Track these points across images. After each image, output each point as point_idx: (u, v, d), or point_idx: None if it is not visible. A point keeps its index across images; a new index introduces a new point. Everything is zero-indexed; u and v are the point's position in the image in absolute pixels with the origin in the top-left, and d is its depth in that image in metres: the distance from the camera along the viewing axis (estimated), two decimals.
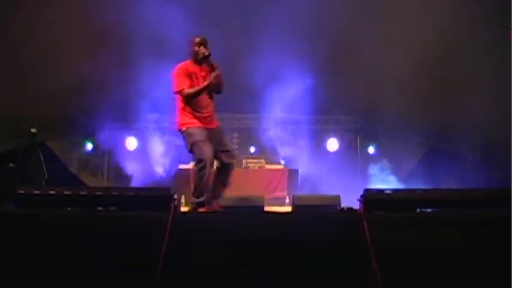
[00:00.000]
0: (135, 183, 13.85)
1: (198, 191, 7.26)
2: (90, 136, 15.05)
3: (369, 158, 15.44)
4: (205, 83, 7.52)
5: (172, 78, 7.54)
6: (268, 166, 14.36)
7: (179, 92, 7.48)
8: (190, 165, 13.87)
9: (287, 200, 12.22)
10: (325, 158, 15.01)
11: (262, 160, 14.52)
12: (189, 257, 5.27)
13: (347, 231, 5.59)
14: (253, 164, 14.42)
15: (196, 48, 7.54)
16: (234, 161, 7.85)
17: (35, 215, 5.84)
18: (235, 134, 15.49)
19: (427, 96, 11.76)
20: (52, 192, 6.05)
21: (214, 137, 7.58)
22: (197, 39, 7.57)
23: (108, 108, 13.41)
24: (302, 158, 14.87)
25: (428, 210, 6.39)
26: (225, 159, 7.63)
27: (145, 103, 13.66)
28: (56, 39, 11.29)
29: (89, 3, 11.82)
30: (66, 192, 6.05)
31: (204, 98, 7.58)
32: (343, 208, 6.90)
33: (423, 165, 14.24)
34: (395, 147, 14.53)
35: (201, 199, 7.22)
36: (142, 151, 14.80)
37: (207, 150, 7.29)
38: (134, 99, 13.34)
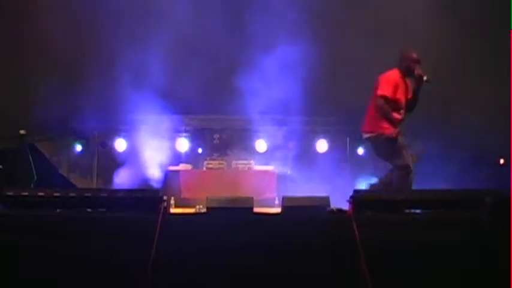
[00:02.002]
0: (124, 185, 13.81)
1: None
2: (80, 137, 15.01)
3: (358, 159, 15.45)
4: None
5: (381, 82, 7.82)
6: (257, 167, 14.35)
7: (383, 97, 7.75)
8: (180, 167, 13.89)
9: (276, 201, 12.23)
10: (314, 159, 15.01)
11: (252, 162, 14.52)
12: (178, 258, 5.26)
13: (336, 232, 5.59)
14: (242, 165, 14.42)
15: (412, 65, 7.80)
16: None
17: (23, 216, 5.81)
18: (217, 135, 15.47)
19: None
20: (41, 193, 6.02)
21: None
22: (415, 56, 7.85)
23: (97, 110, 13.36)
24: (291, 159, 14.87)
25: (417, 211, 6.40)
26: None
27: (134, 104, 13.62)
28: (48, 39, 11.27)
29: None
30: (55, 194, 6.02)
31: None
32: (332, 209, 6.90)
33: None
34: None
35: None
36: (132, 152, 14.75)
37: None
38: (123, 100, 13.29)
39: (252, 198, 7.51)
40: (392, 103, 7.78)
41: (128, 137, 15.00)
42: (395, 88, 7.77)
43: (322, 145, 15.56)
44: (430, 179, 13.35)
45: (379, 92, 7.72)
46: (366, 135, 8.12)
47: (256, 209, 7.20)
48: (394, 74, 7.85)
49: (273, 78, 12.64)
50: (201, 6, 12.24)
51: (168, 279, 5.11)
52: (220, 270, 5.22)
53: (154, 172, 14.16)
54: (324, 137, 15.59)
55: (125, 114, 14.31)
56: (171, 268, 5.15)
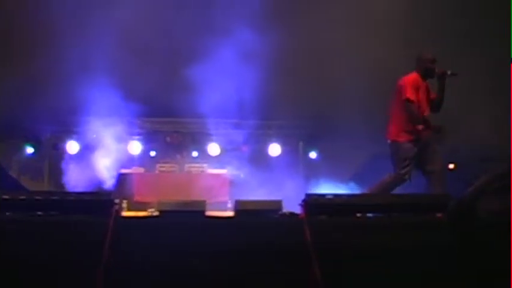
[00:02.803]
0: (76, 188, 13.64)
1: None
2: (31, 139, 14.80)
3: (311, 163, 15.53)
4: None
5: (405, 86, 7.86)
6: (210, 171, 14.33)
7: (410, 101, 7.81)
8: (132, 170, 13.80)
9: (229, 205, 12.21)
10: (267, 163, 15.05)
11: (205, 165, 14.50)
12: (130, 261, 5.21)
13: (289, 235, 5.59)
14: (195, 168, 14.39)
15: (430, 66, 7.87)
16: None
17: None
18: (169, 138, 15.41)
19: (371, 102, 11.86)
20: None
21: None
22: (431, 56, 7.92)
23: (49, 111, 13.19)
24: (244, 163, 14.87)
25: (369, 215, 6.44)
26: None
27: (87, 106, 13.47)
28: None
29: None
30: (5, 197, 5.91)
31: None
32: (285, 213, 6.91)
33: (365, 170, 14.37)
34: (337, 152, 14.63)
35: None
36: (84, 155, 14.59)
37: None
38: (76, 102, 13.14)
39: (205, 201, 7.48)
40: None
41: (81, 139, 14.85)
42: (417, 91, 7.86)
43: (275, 149, 15.60)
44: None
45: (406, 96, 7.82)
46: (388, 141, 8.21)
47: (208, 213, 7.17)
48: (414, 77, 7.93)
49: (226, 82, 12.62)
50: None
51: (120, 283, 5.05)
52: (173, 273, 5.19)
53: (106, 175, 14.03)
54: (276, 141, 15.63)
55: (77, 116, 14.16)
56: (123, 272, 5.09)
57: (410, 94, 7.79)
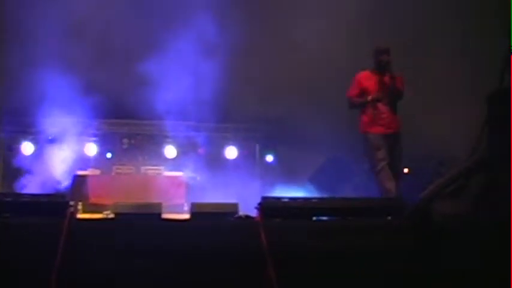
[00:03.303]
0: (30, 189, 13.46)
1: None
2: None
3: (267, 167, 15.58)
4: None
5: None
6: (166, 173, 14.28)
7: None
8: (88, 172, 13.66)
9: (185, 208, 12.15)
10: (223, 166, 15.06)
11: (161, 167, 14.44)
12: (84, 264, 5.15)
13: (244, 238, 5.59)
14: (152, 171, 14.33)
15: (379, 57, 8.06)
16: None
17: None
18: (126, 140, 15.30)
19: (329, 105, 11.92)
20: None
21: None
22: (379, 47, 8.12)
23: (3, 111, 13.01)
24: (201, 166, 14.84)
25: (324, 218, 6.48)
26: None
27: (42, 107, 13.31)
28: None
29: None
30: None
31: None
32: (241, 216, 6.91)
33: (321, 174, 14.45)
34: (294, 155, 14.69)
35: None
36: (40, 156, 14.41)
37: None
38: (31, 102, 12.97)
39: (161, 204, 7.44)
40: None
41: (36, 140, 14.67)
42: (359, 88, 8.05)
43: (231, 152, 15.63)
44: (339, 186, 13.65)
45: (346, 94, 8.14)
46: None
47: (164, 215, 7.14)
48: (362, 74, 8.11)
49: (183, 84, 12.56)
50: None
51: (74, 286, 5.00)
52: (128, 277, 5.15)
53: (62, 176, 13.87)
54: (233, 144, 15.66)
55: (32, 117, 13.98)
56: (77, 275, 5.04)
57: (349, 92, 8.15)
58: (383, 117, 8.09)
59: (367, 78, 8.15)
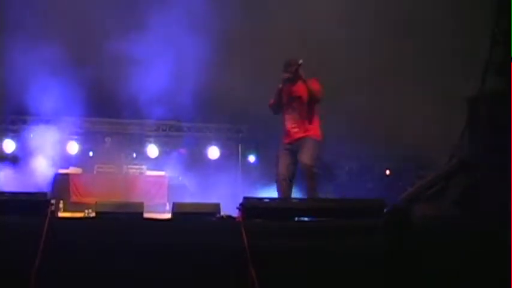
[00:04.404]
0: (11, 187, 13.36)
1: None
2: None
3: (249, 167, 15.59)
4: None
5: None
6: (149, 172, 14.25)
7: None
8: (70, 170, 13.60)
9: (167, 207, 12.15)
10: (206, 166, 15.06)
11: (144, 166, 14.41)
12: (65, 264, 5.12)
13: (226, 238, 5.58)
14: (134, 170, 14.29)
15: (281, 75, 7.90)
16: None
17: None
18: (108, 139, 15.23)
19: None
20: None
21: None
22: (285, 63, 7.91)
23: None
24: (183, 165, 14.82)
25: (305, 219, 6.49)
26: None
27: (24, 104, 13.23)
28: None
29: None
30: None
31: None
32: (222, 216, 6.90)
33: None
34: (275, 156, 14.69)
35: None
36: (21, 154, 14.33)
37: None
38: (13, 99, 12.89)
39: (143, 203, 7.42)
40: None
41: (17, 137, 14.58)
42: (279, 95, 7.95)
43: (214, 152, 15.63)
44: (321, 187, 13.67)
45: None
46: None
47: (146, 215, 7.12)
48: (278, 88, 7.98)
49: (165, 83, 12.51)
50: None
51: (53, 285, 4.96)
52: (109, 277, 5.12)
53: (43, 174, 13.79)
54: (216, 144, 15.66)
55: (13, 114, 13.90)
56: (57, 275, 5.00)
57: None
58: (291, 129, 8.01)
59: (281, 88, 8.05)
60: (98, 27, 11.73)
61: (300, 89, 7.88)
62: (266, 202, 6.28)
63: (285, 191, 7.75)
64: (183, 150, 15.60)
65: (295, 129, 7.89)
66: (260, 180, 14.19)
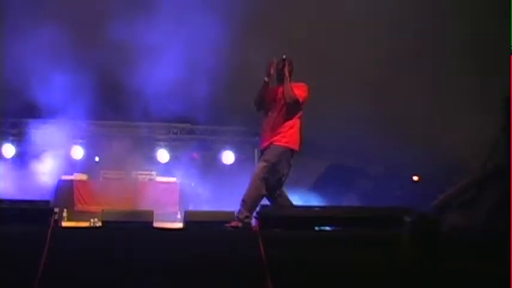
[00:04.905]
0: (11, 195, 13.42)
1: None
2: None
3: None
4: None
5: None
6: (159, 179, 14.27)
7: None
8: (74, 176, 13.65)
9: (179, 216, 12.17)
10: (220, 171, 15.05)
11: (153, 172, 14.43)
12: (69, 276, 5.13)
13: (242, 249, 5.57)
14: (143, 176, 14.31)
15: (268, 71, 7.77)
16: None
17: None
18: (115, 143, 15.24)
19: (333, 108, 11.89)
20: None
21: None
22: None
23: None
24: (196, 171, 14.83)
25: (327, 228, 6.47)
26: None
27: (25, 107, 13.29)
28: None
29: None
30: None
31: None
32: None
33: (324, 181, 14.45)
34: (295, 161, 14.65)
35: None
36: (22, 160, 14.40)
37: None
38: (13, 102, 12.94)
39: (152, 211, 7.44)
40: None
41: (18, 142, 14.65)
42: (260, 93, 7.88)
43: (228, 156, 15.61)
44: (345, 194, 13.65)
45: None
46: None
47: (156, 224, 7.14)
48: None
49: (177, 84, 12.50)
50: None
51: None
52: None
53: (45, 181, 13.85)
54: (230, 148, 15.65)
55: (14, 117, 13.96)
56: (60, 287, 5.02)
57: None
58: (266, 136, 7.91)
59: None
60: (102, 21, 11.74)
61: (280, 90, 7.79)
62: (285, 210, 6.27)
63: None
64: (195, 155, 15.61)
65: (267, 134, 7.80)
66: None
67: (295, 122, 7.77)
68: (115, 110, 14.08)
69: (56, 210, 5.73)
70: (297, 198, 13.40)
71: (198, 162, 15.39)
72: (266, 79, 7.66)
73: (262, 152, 7.73)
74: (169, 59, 12.03)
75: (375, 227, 6.22)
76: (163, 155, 15.50)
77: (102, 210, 7.81)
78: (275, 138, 7.61)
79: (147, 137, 15.63)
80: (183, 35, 11.91)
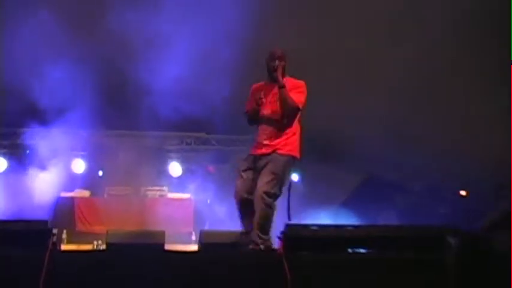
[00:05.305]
0: (4, 214, 13.50)
1: None
2: None
3: (292, 187, 15.52)
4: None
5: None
6: (171, 195, 14.30)
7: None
8: (75, 193, 13.71)
9: (193, 237, 12.19)
10: None
11: (165, 188, 14.46)
12: None
13: (264, 275, 5.58)
14: (153, 192, 14.34)
15: (269, 65, 7.66)
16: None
17: None
18: (122, 155, 15.28)
19: (364, 115, 11.88)
20: None
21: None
22: (270, 53, 7.67)
23: None
24: (212, 186, 14.86)
25: (362, 250, 6.46)
26: None
27: (18, 116, 13.37)
28: None
29: None
30: None
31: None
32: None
33: (358, 196, 14.42)
34: (324, 174, 14.66)
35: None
36: (15, 174, 14.48)
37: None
38: (4, 111, 13.03)
39: (164, 232, 7.47)
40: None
41: (10, 154, 14.74)
42: (250, 101, 7.80)
43: None
44: (382, 212, 13.61)
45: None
46: None
47: (168, 246, 7.16)
48: (254, 85, 7.90)
49: (190, 91, 12.55)
50: None
51: None
52: None
53: (42, 199, 13.91)
54: None
55: (6, 126, 14.05)
56: None
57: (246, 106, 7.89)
58: (262, 139, 7.78)
59: (259, 90, 7.81)
60: (102, 9, 11.80)
61: (276, 90, 7.63)
62: (313, 230, 6.26)
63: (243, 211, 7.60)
64: (211, 168, 15.64)
65: (264, 138, 7.71)
66: (306, 203, 14.15)
67: (296, 127, 7.75)
68: (120, 116, 14.12)
69: (55, 231, 5.75)
70: (326, 216, 13.49)
71: (215, 176, 15.42)
72: (256, 107, 7.57)
73: (256, 157, 7.63)
74: (181, 60, 12.06)
75: (416, 249, 6.20)
76: (175, 168, 15.55)
77: (107, 231, 7.83)
78: (277, 145, 7.57)
79: (157, 148, 15.67)
80: (198, 27, 11.94)
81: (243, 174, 7.59)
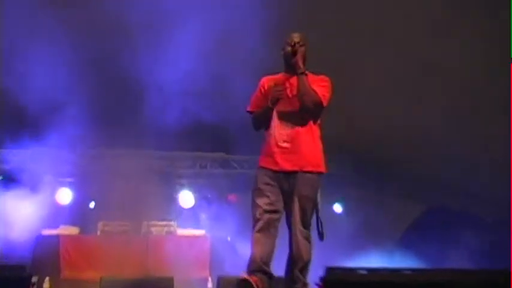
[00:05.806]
0: None
1: None
2: None
3: (334, 220, 15.58)
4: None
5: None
6: (181, 232, 14.32)
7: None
8: (60, 230, 13.76)
9: (209, 284, 12.21)
10: None
11: (173, 223, 14.49)
12: None
13: None
14: (158, 228, 14.35)
15: (285, 51, 7.50)
16: None
17: None
18: (119, 181, 15.28)
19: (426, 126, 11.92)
20: None
21: None
22: (286, 39, 7.48)
23: None
24: (233, 219, 14.88)
25: None
26: None
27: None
28: None
29: None
30: None
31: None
32: None
33: (416, 232, 14.42)
34: (373, 205, 14.66)
35: None
36: None
37: None
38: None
39: (172, 278, 7.53)
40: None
41: None
42: (258, 97, 7.74)
43: None
44: (446, 251, 13.61)
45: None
46: None
47: None
48: (264, 77, 7.77)
49: (204, 98, 12.63)
50: None
51: None
52: None
53: (19, 237, 13.98)
54: None
55: None
56: None
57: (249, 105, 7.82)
58: (281, 141, 7.62)
59: (271, 81, 7.60)
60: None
61: (294, 84, 7.48)
62: (361, 275, 6.27)
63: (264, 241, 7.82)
64: (232, 197, 15.67)
65: (283, 150, 7.58)
66: (351, 241, 14.17)
67: (318, 133, 7.67)
68: (117, 132, 14.14)
69: (34, 279, 5.79)
70: (377, 257, 13.51)
71: (236, 206, 15.44)
72: (270, 105, 7.43)
73: (276, 174, 7.66)
74: (190, 61, 12.15)
75: None
76: (186, 197, 15.59)
77: (101, 278, 7.89)
78: (301, 160, 7.55)
79: (164, 172, 15.73)
80: (216, 22, 12.03)
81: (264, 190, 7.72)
